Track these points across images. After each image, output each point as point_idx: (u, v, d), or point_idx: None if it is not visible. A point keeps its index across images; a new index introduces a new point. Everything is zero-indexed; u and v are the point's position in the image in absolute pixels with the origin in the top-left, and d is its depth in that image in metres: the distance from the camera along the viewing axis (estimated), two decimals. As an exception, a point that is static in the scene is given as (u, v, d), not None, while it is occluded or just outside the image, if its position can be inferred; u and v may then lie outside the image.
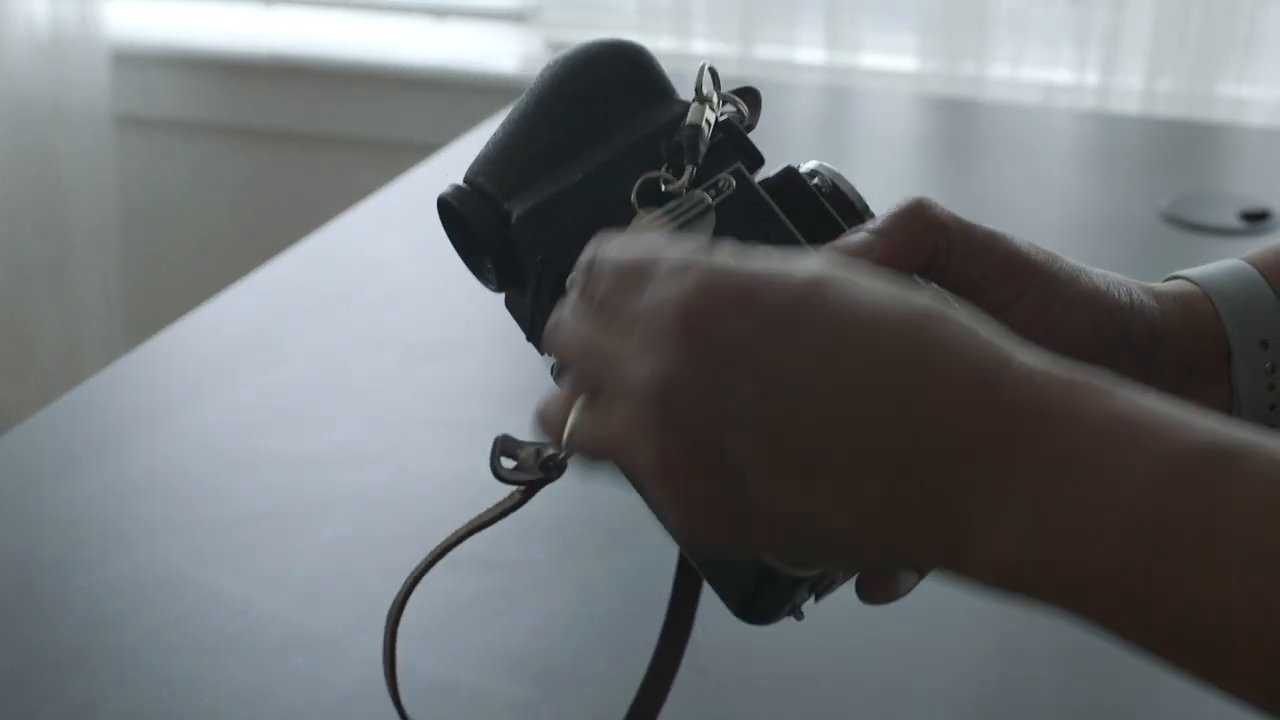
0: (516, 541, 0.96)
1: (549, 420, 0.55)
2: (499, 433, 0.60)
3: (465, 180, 0.61)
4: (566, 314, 0.53)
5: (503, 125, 0.62)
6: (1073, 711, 0.84)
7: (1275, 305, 0.60)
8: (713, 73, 0.60)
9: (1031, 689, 0.86)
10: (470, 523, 0.61)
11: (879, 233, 0.57)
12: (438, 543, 0.61)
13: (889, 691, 0.84)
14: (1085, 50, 2.26)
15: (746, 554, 0.54)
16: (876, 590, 0.57)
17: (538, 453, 0.60)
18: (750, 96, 0.62)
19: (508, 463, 0.61)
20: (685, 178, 0.59)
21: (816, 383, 0.46)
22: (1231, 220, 1.46)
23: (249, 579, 0.93)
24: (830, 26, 2.33)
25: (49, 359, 2.61)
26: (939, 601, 0.93)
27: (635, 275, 0.50)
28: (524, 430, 0.64)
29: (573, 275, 0.55)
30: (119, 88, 2.55)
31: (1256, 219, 1.47)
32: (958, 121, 1.86)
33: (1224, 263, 0.62)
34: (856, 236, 0.58)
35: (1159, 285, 0.61)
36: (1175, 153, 1.74)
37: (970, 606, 0.93)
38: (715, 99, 0.60)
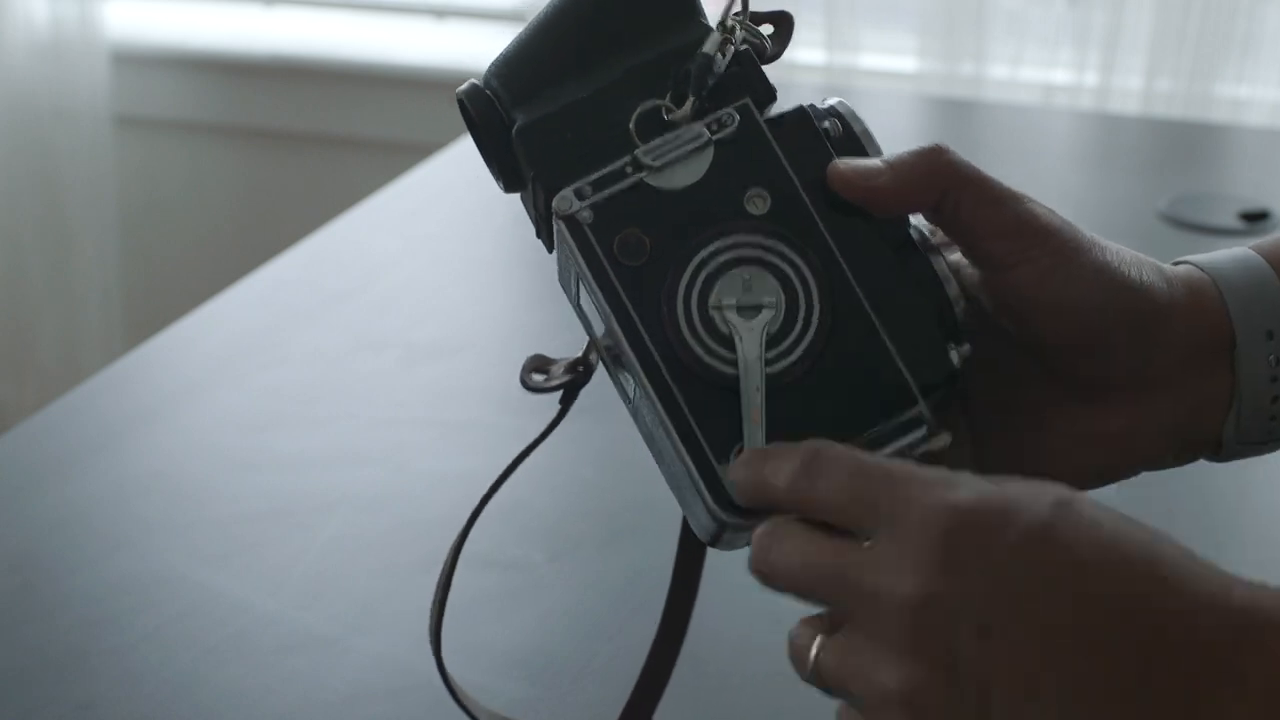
0: (516, 541, 0.97)
1: (796, 648, 0.53)
2: (523, 368, 0.60)
3: (484, 79, 0.60)
4: (787, 545, 0.51)
5: (528, 25, 0.60)
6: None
7: None
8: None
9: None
10: (521, 452, 0.62)
11: (889, 164, 0.57)
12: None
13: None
14: (1084, 51, 2.26)
15: None
16: None
17: (568, 365, 0.60)
18: (783, 22, 0.60)
19: (537, 377, 0.61)
20: (687, 108, 0.57)
21: (1068, 619, 0.46)
22: (1230, 220, 1.47)
23: (249, 579, 0.93)
24: (830, 27, 2.33)
25: (49, 359, 2.61)
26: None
27: (871, 490, 0.49)
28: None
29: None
30: (119, 88, 2.55)
31: (1255, 219, 1.47)
32: (957, 122, 1.86)
33: (1233, 250, 0.61)
34: (866, 161, 0.57)
35: (1169, 268, 0.61)
36: (1174, 153, 1.75)
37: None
38: (738, 29, 0.58)
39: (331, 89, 2.53)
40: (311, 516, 1.00)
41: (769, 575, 0.52)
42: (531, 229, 0.61)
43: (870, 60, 2.36)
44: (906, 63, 2.36)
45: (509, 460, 0.65)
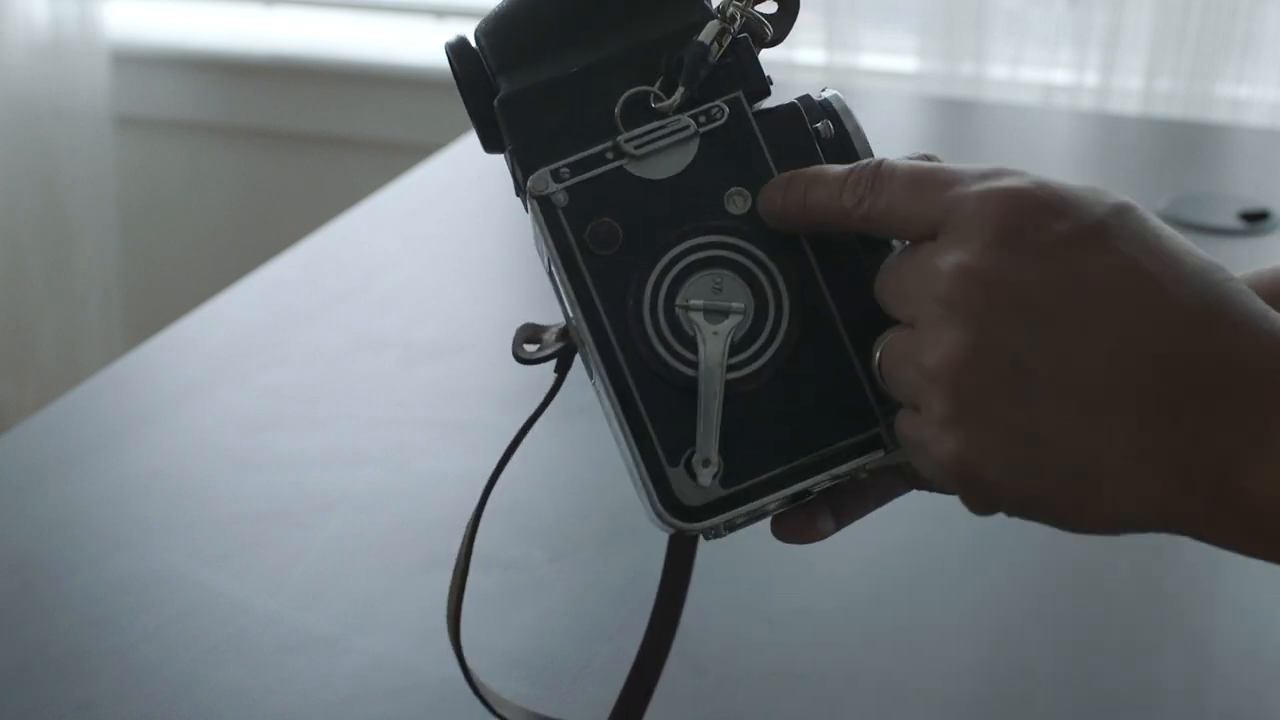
0: (516, 541, 0.97)
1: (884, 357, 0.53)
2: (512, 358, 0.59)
3: (475, 33, 0.59)
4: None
5: None
6: (1072, 711, 0.84)
7: None
8: None
9: (1031, 689, 0.86)
10: (525, 423, 0.61)
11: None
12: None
13: (887, 690, 0.85)
14: (1084, 51, 2.26)
15: (986, 505, 0.50)
16: (796, 529, 0.57)
17: (559, 332, 0.59)
18: (786, 4, 0.58)
19: (529, 348, 0.60)
20: (676, 98, 0.56)
21: (1120, 303, 0.46)
22: (1230, 220, 1.47)
23: (249, 579, 0.93)
24: (830, 27, 2.33)
25: (49, 359, 2.61)
26: (938, 601, 0.93)
27: (933, 180, 0.50)
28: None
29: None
30: (119, 88, 2.55)
31: (1255, 219, 1.47)
32: (957, 122, 1.86)
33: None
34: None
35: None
36: (1174, 153, 1.75)
37: (970, 606, 0.94)
38: (738, 16, 0.56)
39: (331, 89, 2.53)
40: (311, 516, 1.00)
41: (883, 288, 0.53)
42: (526, 231, 0.61)
43: (870, 60, 2.36)
44: (907, 63, 2.36)
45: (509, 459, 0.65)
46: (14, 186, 2.56)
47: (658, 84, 0.56)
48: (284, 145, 2.58)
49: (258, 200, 2.61)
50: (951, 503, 0.52)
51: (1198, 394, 0.46)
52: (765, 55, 0.59)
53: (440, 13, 2.60)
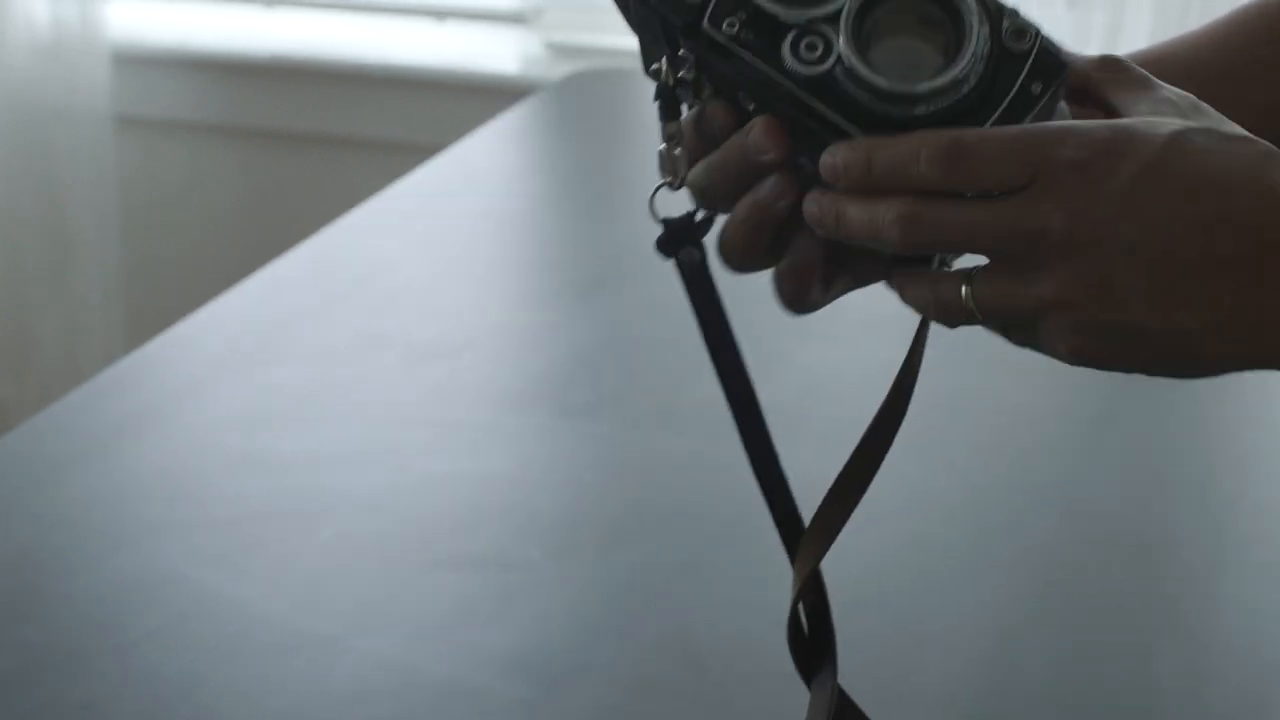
0: (516, 541, 0.97)
1: (943, 298, 0.60)
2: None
3: None
4: (945, 212, 0.58)
5: None
6: (1072, 711, 0.84)
7: None
8: None
9: (1031, 689, 0.86)
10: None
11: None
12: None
13: (888, 690, 0.85)
14: (1083, 52, 2.26)
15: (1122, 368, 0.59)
16: (790, 295, 0.63)
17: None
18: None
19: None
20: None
21: (1183, 218, 0.56)
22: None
23: (249, 579, 0.93)
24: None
25: (49, 359, 2.61)
26: (938, 601, 0.93)
27: (1018, 156, 0.57)
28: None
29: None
30: (119, 88, 2.55)
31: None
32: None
33: None
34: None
35: None
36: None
37: (970, 606, 0.94)
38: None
39: (332, 90, 2.53)
40: (311, 516, 1.00)
41: (921, 241, 0.59)
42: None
43: (870, 61, 2.36)
44: (907, 63, 2.36)
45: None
46: (15, 187, 2.56)
47: None
48: (285, 146, 2.58)
49: (258, 201, 2.61)
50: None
51: (1242, 264, 0.56)
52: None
53: (441, 14, 2.60)
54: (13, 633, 0.89)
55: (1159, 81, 0.62)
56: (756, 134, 0.61)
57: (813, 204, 0.60)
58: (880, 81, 0.58)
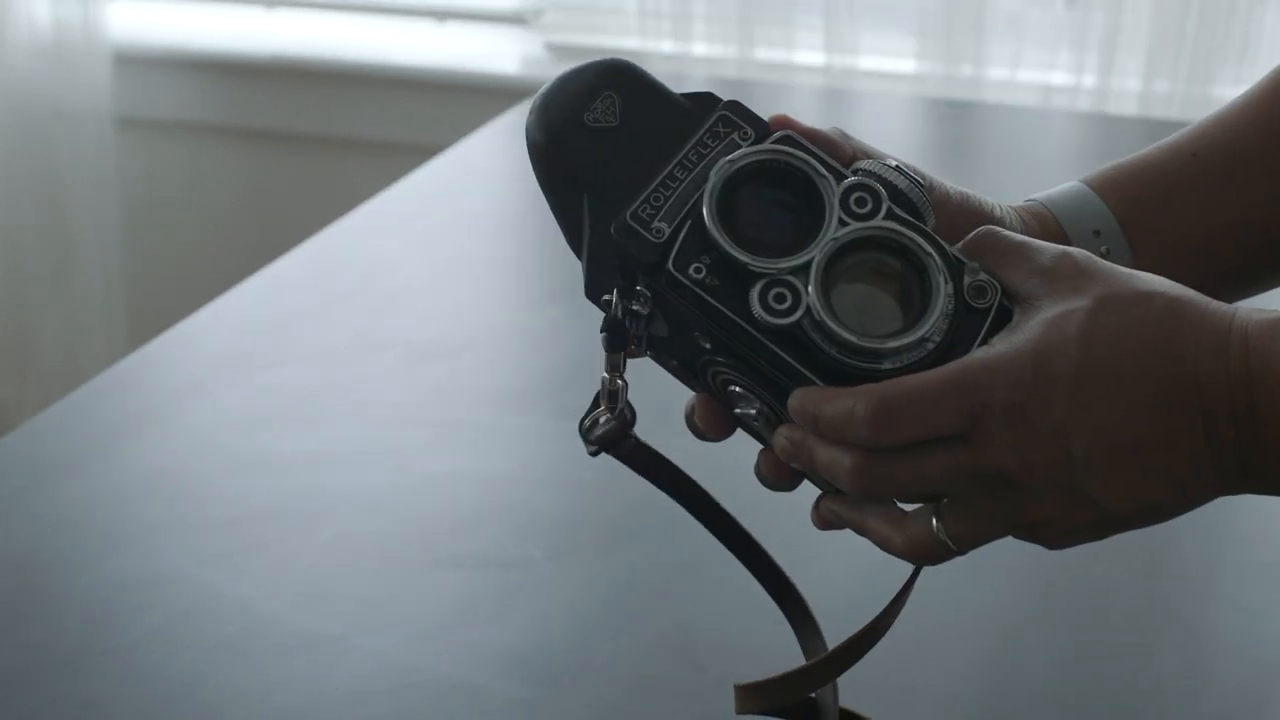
0: (516, 541, 0.97)
1: (917, 540, 0.63)
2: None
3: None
4: (895, 469, 0.59)
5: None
6: (1072, 711, 0.84)
7: (1101, 206, 0.73)
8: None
9: (1031, 689, 0.87)
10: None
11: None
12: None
13: (887, 690, 0.85)
14: (1083, 52, 2.26)
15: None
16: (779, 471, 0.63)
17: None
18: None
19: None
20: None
21: (1121, 411, 0.58)
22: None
23: (249, 579, 0.93)
24: (829, 29, 2.33)
25: (50, 359, 2.61)
26: (939, 601, 0.93)
27: (950, 404, 0.58)
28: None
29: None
30: (121, 89, 2.55)
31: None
32: (956, 123, 1.86)
33: (1061, 185, 0.74)
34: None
35: (1016, 204, 0.72)
36: (1174, 154, 1.74)
37: (970, 606, 0.94)
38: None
39: (332, 91, 2.53)
40: (311, 516, 1.00)
41: (874, 492, 0.60)
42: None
43: (869, 62, 2.36)
44: (905, 64, 2.36)
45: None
46: (16, 187, 2.56)
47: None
48: (285, 147, 2.58)
49: (259, 201, 2.61)
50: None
51: (1183, 433, 0.58)
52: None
53: (441, 15, 2.60)
54: (13, 633, 0.89)
55: (1034, 244, 0.62)
56: (697, 419, 0.63)
57: (784, 439, 0.60)
58: (849, 337, 0.58)
